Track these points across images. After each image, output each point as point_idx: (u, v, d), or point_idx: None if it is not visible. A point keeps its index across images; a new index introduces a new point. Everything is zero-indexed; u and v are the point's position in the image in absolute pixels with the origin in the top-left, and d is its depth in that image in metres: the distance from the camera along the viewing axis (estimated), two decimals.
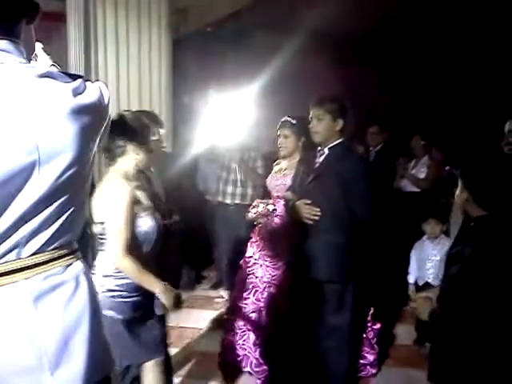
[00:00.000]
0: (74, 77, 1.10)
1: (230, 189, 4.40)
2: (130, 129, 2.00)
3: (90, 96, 1.09)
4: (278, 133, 3.08)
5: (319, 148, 2.75)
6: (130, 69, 4.79)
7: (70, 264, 1.13)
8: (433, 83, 7.30)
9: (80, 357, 1.09)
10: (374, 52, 6.69)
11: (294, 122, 3.02)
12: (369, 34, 6.02)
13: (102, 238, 1.99)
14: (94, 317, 1.14)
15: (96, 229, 1.99)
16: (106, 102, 1.14)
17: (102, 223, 1.95)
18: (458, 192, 1.73)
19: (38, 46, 1.27)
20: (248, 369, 3.06)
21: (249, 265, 3.18)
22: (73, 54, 4.37)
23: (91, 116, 1.09)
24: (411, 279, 3.70)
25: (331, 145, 2.69)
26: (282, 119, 3.09)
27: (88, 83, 1.11)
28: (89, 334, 1.11)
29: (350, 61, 6.85)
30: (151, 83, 4.93)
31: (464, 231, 1.78)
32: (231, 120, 4.75)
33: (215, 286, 4.91)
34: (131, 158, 2.02)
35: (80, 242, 1.21)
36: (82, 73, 4.40)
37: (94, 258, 2.08)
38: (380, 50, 6.71)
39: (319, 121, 2.65)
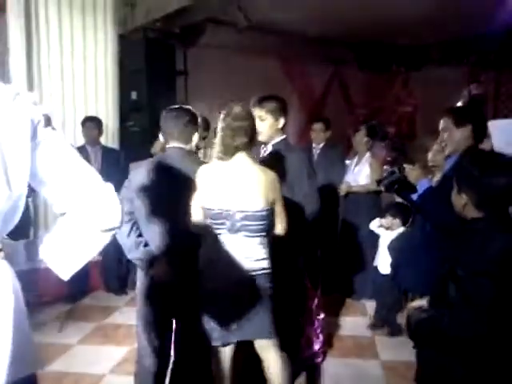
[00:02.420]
0: None
1: None
2: None
3: None
4: None
5: (262, 145, 2.84)
6: (74, 65, 4.69)
7: None
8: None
9: (4, 353, 1.10)
10: (324, 49, 6.82)
11: None
12: (319, 31, 6.13)
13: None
14: (17, 314, 1.14)
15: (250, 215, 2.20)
16: None
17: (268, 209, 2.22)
18: (453, 196, 1.72)
19: None
20: None
21: None
22: (13, 46, 4.24)
23: None
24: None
25: (274, 142, 2.79)
26: None
27: None
28: (13, 330, 1.12)
29: (299, 58, 6.97)
30: (97, 79, 4.85)
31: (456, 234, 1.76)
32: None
33: None
34: None
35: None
36: (23, 66, 4.28)
37: None
38: (331, 48, 6.85)
39: (262, 121, 2.72)
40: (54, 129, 1.22)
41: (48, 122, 1.20)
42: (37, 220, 4.51)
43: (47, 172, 1.19)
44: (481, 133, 2.37)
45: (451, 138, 2.35)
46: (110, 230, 1.25)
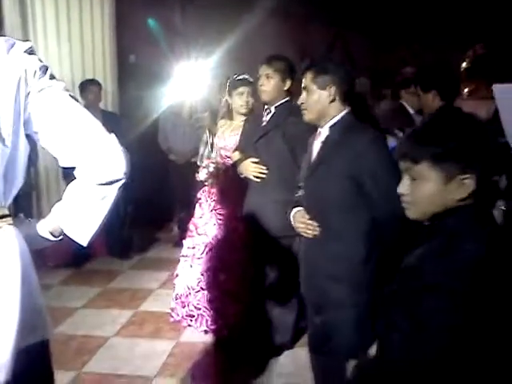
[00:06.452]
0: None
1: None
2: None
3: None
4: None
5: (266, 107, 2.77)
6: (71, 28, 4.57)
7: (0, 227, 1.13)
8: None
9: (11, 319, 1.09)
10: (326, 10, 6.65)
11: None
12: None
13: None
14: (25, 281, 1.13)
15: None
16: None
17: None
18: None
19: None
20: (204, 327, 3.11)
21: (199, 225, 3.20)
22: (7, 8, 4.11)
23: None
24: None
25: (277, 104, 2.72)
26: (238, 77, 3.06)
27: None
28: (21, 296, 1.11)
29: (302, 19, 6.81)
30: (94, 41, 4.73)
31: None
32: (181, 79, 4.67)
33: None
34: None
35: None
36: (18, 27, 4.16)
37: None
38: (333, 9, 6.68)
39: (268, 79, 2.68)
40: (52, 78, 1.17)
41: (45, 71, 1.16)
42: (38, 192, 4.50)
43: (46, 123, 1.15)
44: (448, 93, 2.66)
45: (422, 103, 2.79)
46: (115, 181, 1.21)
